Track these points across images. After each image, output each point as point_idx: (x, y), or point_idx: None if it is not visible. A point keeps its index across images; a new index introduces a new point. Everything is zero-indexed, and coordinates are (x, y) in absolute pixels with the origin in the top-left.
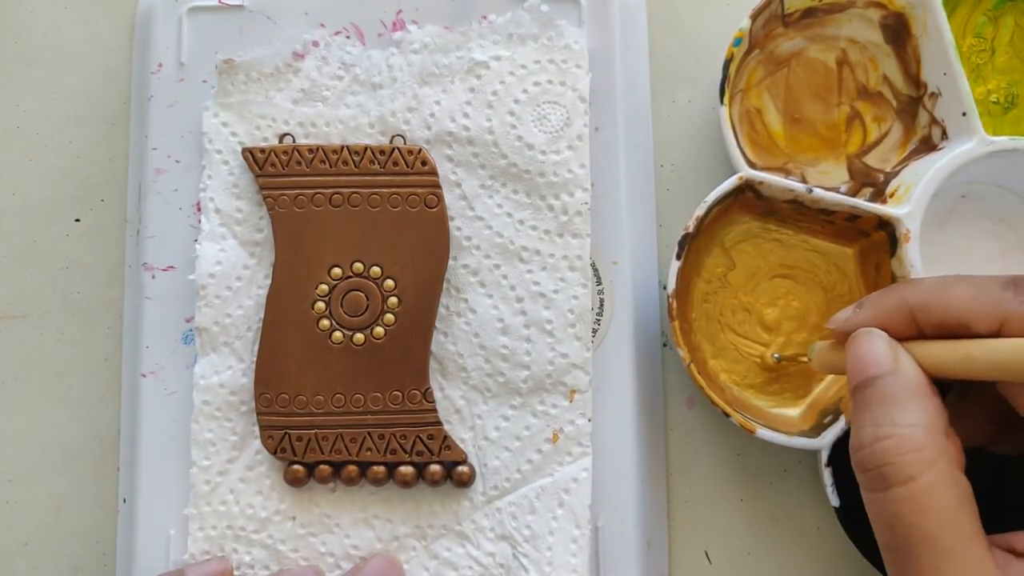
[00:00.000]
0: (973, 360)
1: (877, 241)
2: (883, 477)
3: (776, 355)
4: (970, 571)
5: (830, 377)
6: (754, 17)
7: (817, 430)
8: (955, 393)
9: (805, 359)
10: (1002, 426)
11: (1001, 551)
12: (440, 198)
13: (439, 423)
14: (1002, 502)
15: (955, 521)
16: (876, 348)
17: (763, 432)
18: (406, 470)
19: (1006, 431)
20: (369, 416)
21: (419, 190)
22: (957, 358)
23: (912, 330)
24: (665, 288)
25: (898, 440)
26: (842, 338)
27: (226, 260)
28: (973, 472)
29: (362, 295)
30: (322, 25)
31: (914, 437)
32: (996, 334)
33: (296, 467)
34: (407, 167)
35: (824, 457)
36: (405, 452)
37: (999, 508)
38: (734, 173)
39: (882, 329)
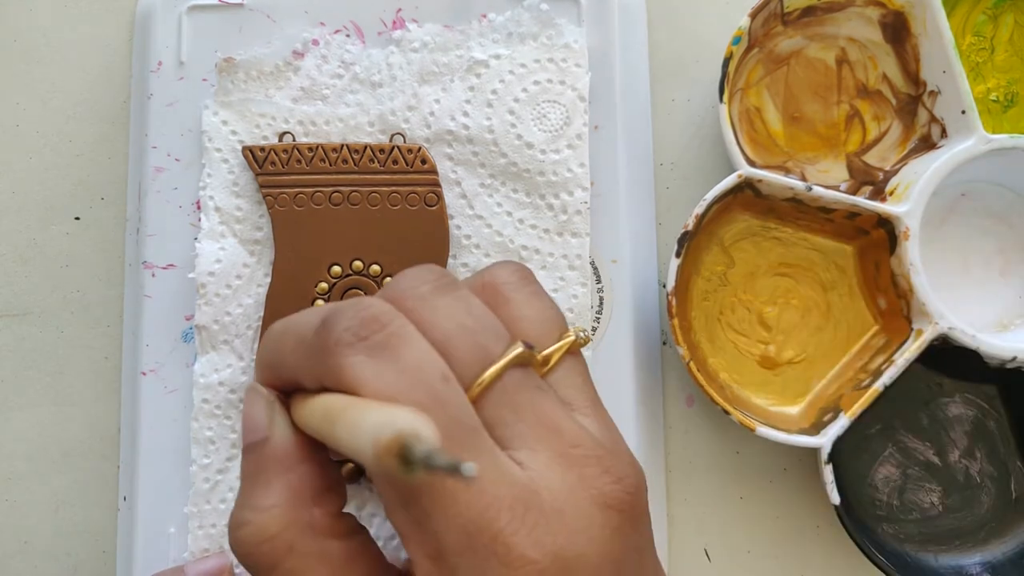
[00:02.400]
0: (308, 421)
1: (876, 239)
2: (252, 567)
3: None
4: None
5: (830, 374)
6: (753, 16)
7: (817, 428)
8: None
9: None
10: None
11: None
12: (440, 197)
13: None
14: None
15: None
16: (254, 409)
17: (763, 430)
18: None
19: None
20: None
21: (419, 189)
22: (303, 417)
23: (282, 385)
24: (664, 286)
25: (254, 528)
26: None
27: (226, 258)
28: None
29: (362, 293)
30: (322, 24)
31: (269, 525)
32: (324, 389)
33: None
34: (407, 166)
35: (824, 455)
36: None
37: None
38: (733, 171)
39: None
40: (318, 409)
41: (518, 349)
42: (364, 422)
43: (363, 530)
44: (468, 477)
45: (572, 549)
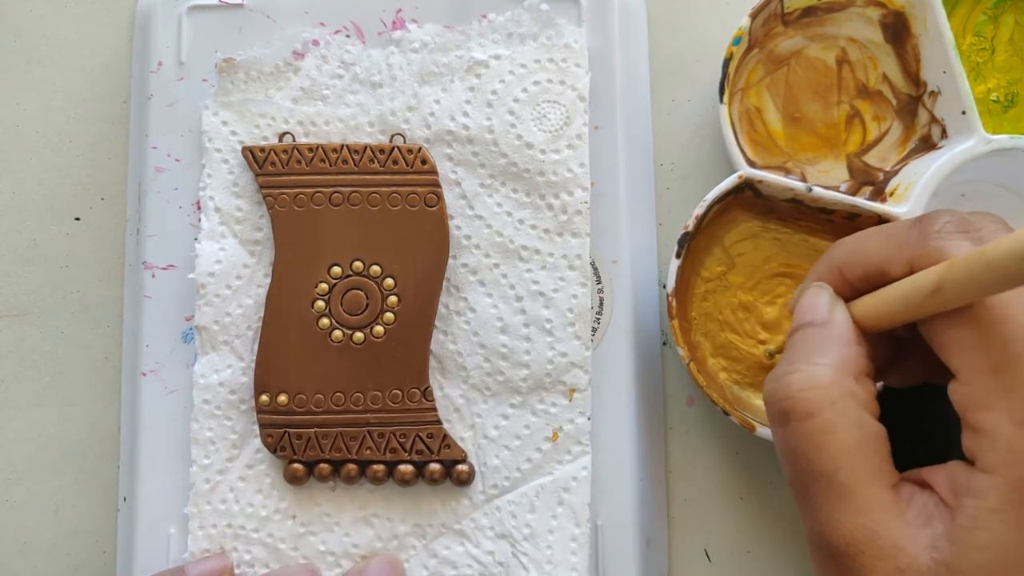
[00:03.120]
0: (888, 303)
1: None
2: (784, 412)
3: (769, 351)
4: (861, 509)
5: None
6: (754, 16)
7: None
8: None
9: None
10: (892, 356)
11: (909, 484)
12: (440, 197)
13: (439, 422)
14: (916, 434)
15: (852, 460)
16: (817, 299)
17: (763, 430)
18: (406, 469)
19: (896, 361)
20: (369, 415)
21: (419, 189)
22: (876, 304)
23: (845, 287)
24: (665, 287)
25: (803, 376)
26: None
27: (226, 259)
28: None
29: (362, 294)
30: (322, 24)
31: (818, 375)
32: (909, 274)
33: (296, 465)
34: (407, 166)
35: None
36: (405, 451)
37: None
38: (734, 172)
39: None
40: (925, 275)
41: None
42: (1000, 246)
43: (882, 427)
44: None
45: None
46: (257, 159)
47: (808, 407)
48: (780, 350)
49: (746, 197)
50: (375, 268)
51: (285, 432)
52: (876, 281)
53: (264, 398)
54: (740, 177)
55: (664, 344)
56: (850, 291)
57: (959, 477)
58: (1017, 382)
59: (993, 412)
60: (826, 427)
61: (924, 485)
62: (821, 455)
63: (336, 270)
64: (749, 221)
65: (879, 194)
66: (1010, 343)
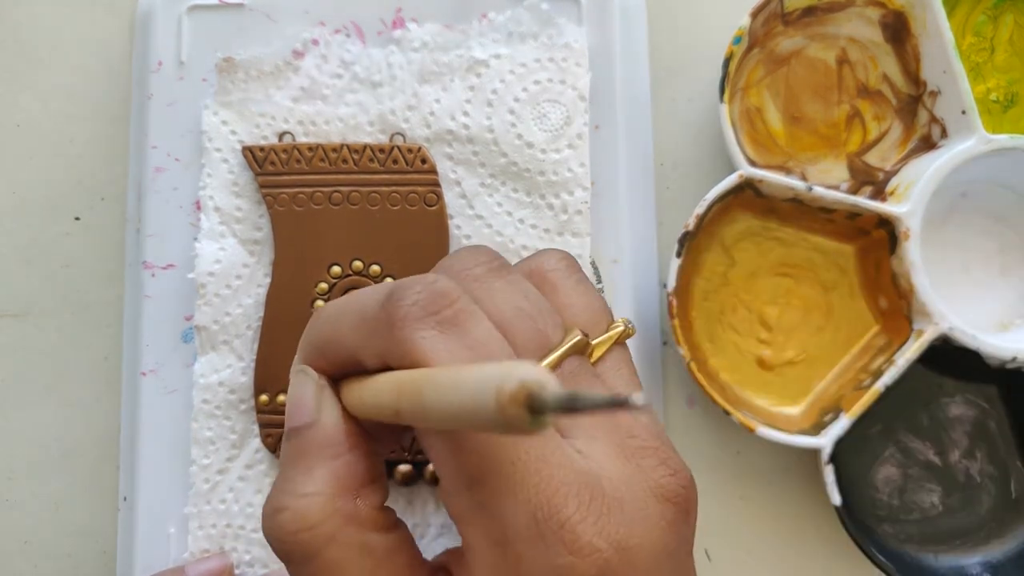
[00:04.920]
0: (364, 404)
1: (877, 239)
2: (285, 555)
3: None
4: None
5: (830, 375)
6: (754, 15)
7: (818, 428)
8: None
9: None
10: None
11: None
12: (440, 196)
13: None
14: None
15: None
16: (302, 393)
17: (763, 430)
18: (405, 469)
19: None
20: None
21: (419, 188)
22: (358, 401)
23: (331, 369)
24: (665, 286)
25: (293, 514)
26: None
27: (225, 258)
28: None
29: None
30: (322, 23)
31: (308, 512)
32: (385, 367)
33: None
34: (407, 165)
35: (825, 455)
36: (404, 451)
37: None
38: (734, 171)
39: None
40: (388, 384)
41: (576, 337)
42: (470, 378)
43: (403, 524)
44: (642, 406)
45: (633, 539)
46: (257, 159)
47: (306, 550)
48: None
49: (746, 196)
50: (375, 268)
51: None
52: (356, 369)
53: (264, 398)
54: (740, 176)
55: (664, 344)
56: (340, 372)
57: None
58: (492, 498)
59: (472, 529)
60: (331, 568)
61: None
62: None
63: (336, 269)
64: (749, 220)
65: (879, 193)
66: (488, 453)
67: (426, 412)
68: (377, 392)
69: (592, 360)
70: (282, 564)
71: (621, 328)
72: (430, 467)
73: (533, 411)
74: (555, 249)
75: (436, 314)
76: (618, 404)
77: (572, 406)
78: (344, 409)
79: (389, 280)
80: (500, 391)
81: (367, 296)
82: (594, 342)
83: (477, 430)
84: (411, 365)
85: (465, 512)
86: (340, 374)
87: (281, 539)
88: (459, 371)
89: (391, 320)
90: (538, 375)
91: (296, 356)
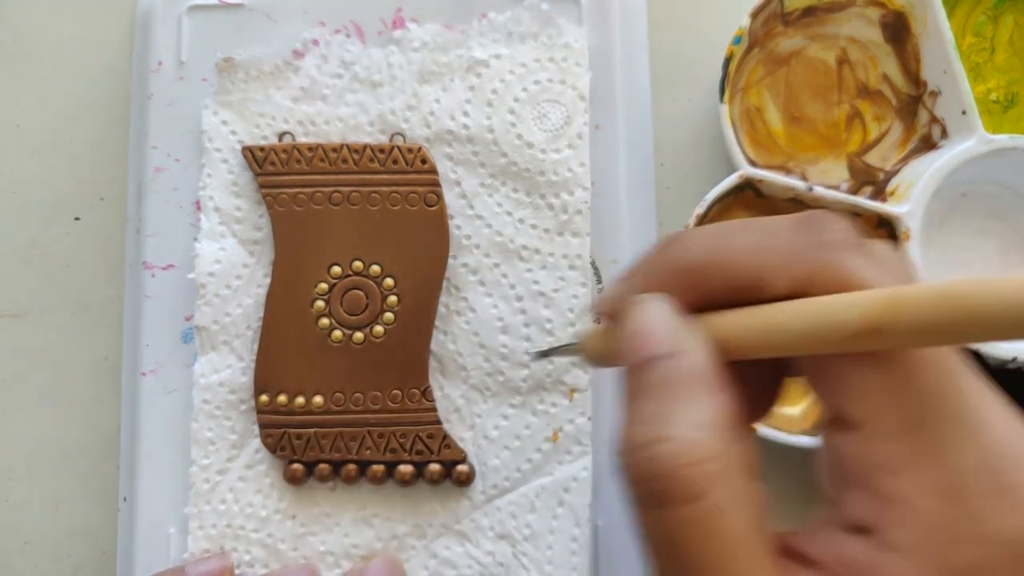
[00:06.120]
0: (778, 331)
1: (877, 239)
2: (660, 493)
3: (531, 352)
4: None
5: None
6: (754, 15)
7: (818, 428)
8: None
9: (572, 352)
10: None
11: (791, 564)
12: (440, 196)
13: (439, 422)
14: None
15: (747, 546)
16: (654, 321)
17: (764, 430)
18: (405, 469)
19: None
20: (369, 415)
21: (419, 188)
22: (757, 330)
23: (695, 298)
24: None
25: (680, 446)
26: (615, 318)
27: (225, 258)
28: None
29: (362, 294)
30: (322, 23)
31: (701, 443)
32: (799, 292)
33: (296, 466)
34: (407, 165)
35: None
36: (405, 451)
37: None
38: (734, 171)
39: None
40: (813, 312)
41: None
42: (993, 291)
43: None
44: None
45: None
46: (257, 159)
47: (693, 488)
48: (552, 351)
49: (747, 196)
50: (375, 268)
51: (285, 432)
52: (744, 295)
53: (264, 398)
54: (741, 176)
55: None
56: (700, 304)
57: (855, 554)
58: (937, 446)
59: (909, 478)
60: (718, 512)
61: (807, 562)
62: (712, 546)
63: (336, 270)
64: None
65: (879, 194)
66: (934, 396)
67: (968, 321)
68: (826, 314)
69: None
70: (281, 565)
71: None
72: (430, 467)
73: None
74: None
75: (862, 247)
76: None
77: None
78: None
79: (390, 280)
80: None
81: (771, 222)
82: None
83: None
84: (843, 288)
85: (900, 459)
86: (698, 307)
87: (658, 474)
88: (908, 289)
89: (818, 240)
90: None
91: (625, 287)
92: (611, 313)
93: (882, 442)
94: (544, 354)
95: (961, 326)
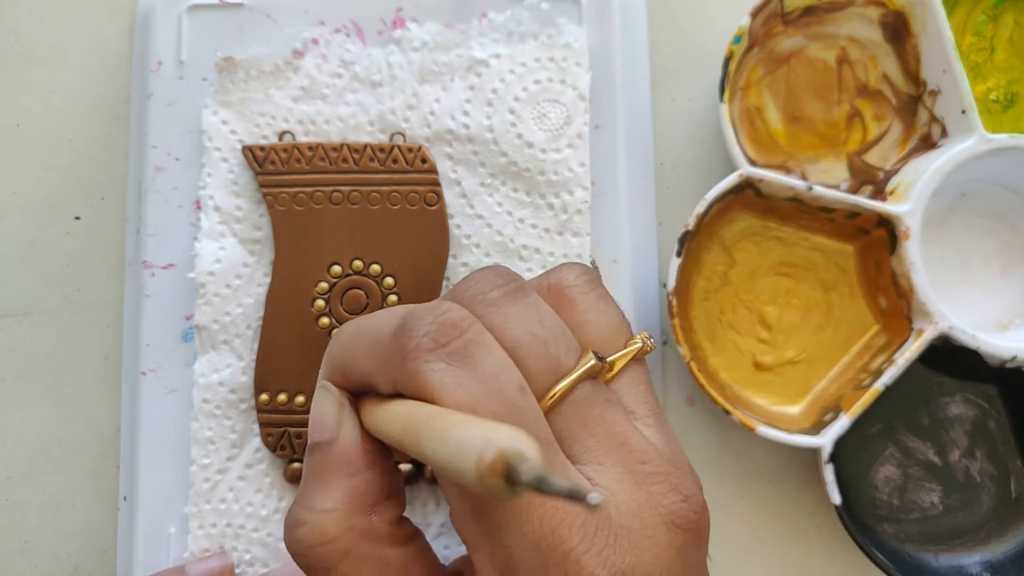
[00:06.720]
0: (380, 428)
1: (877, 239)
2: (305, 568)
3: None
4: None
5: (830, 374)
6: (754, 15)
7: (817, 428)
8: None
9: None
10: None
11: None
12: (440, 196)
13: None
14: None
15: None
16: (323, 408)
17: (763, 430)
18: (405, 468)
19: None
20: None
21: (419, 188)
22: (377, 423)
23: (354, 387)
24: (665, 286)
25: (310, 529)
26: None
27: (225, 258)
28: None
29: (362, 293)
30: (322, 23)
31: (326, 527)
32: (400, 393)
33: (296, 465)
34: (407, 165)
35: (825, 455)
36: None
37: None
38: (734, 171)
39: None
40: (397, 418)
41: (590, 362)
42: (457, 437)
43: (419, 534)
44: (594, 505)
45: (639, 569)
46: (257, 158)
47: (323, 563)
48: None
49: (747, 196)
50: (375, 267)
51: (285, 431)
52: (371, 391)
53: (264, 397)
54: (741, 176)
55: (664, 343)
56: (359, 390)
57: None
58: (493, 527)
59: (480, 554)
60: None
61: None
62: None
63: (336, 269)
64: (749, 220)
65: (879, 193)
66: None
67: (424, 456)
68: (387, 422)
69: (610, 375)
70: (281, 564)
71: (639, 345)
72: (430, 467)
73: (510, 482)
74: (575, 263)
75: (446, 345)
76: (575, 498)
77: (541, 488)
78: (363, 426)
79: (390, 280)
80: (480, 459)
81: (382, 322)
82: (610, 359)
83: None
84: (420, 397)
85: (472, 538)
86: (359, 391)
87: (300, 552)
88: (450, 427)
89: (403, 351)
90: (518, 444)
91: (320, 370)
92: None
93: (460, 523)
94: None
95: (421, 457)
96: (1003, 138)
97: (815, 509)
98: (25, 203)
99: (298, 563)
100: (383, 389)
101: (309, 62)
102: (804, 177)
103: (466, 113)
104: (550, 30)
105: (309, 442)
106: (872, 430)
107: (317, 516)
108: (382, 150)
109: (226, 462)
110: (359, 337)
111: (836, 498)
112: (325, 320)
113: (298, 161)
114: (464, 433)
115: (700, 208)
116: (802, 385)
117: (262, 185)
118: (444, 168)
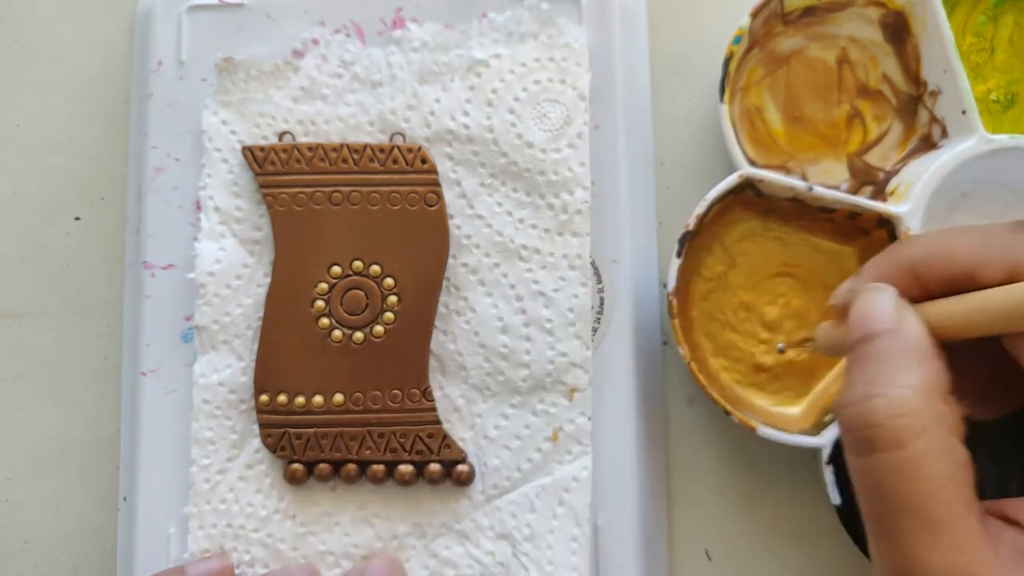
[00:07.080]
0: (988, 310)
1: (877, 239)
2: (870, 440)
3: (780, 345)
4: (956, 546)
5: (831, 374)
6: (754, 15)
7: (818, 428)
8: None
9: (810, 344)
10: (986, 385)
11: (995, 519)
12: (440, 196)
13: (438, 422)
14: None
15: (945, 493)
16: (880, 304)
17: (764, 430)
18: (405, 469)
19: (989, 391)
20: (369, 415)
21: (419, 188)
22: (969, 311)
23: (916, 290)
24: (665, 286)
25: (889, 401)
26: (846, 314)
27: (225, 258)
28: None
29: (362, 293)
30: (322, 23)
31: (908, 400)
32: (1007, 281)
33: (296, 465)
34: (407, 165)
35: (825, 455)
36: (405, 451)
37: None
38: (734, 171)
39: None
40: (995, 303)
41: None
42: None
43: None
44: None
45: None
46: (257, 158)
47: (897, 437)
48: (795, 343)
49: (747, 196)
50: (375, 268)
51: (285, 432)
52: (959, 286)
53: (264, 398)
54: (741, 176)
55: (665, 344)
56: (920, 295)
57: None
58: None
59: None
60: (918, 459)
61: (1009, 521)
62: (912, 489)
63: (336, 270)
64: (750, 220)
65: (879, 193)
66: None
67: None
68: (983, 310)
69: None
70: (281, 564)
71: None
72: (430, 467)
73: None
74: None
75: None
76: None
77: None
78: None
79: (390, 280)
80: None
81: (980, 227)
82: None
83: None
84: None
85: None
86: (920, 297)
87: (872, 423)
88: None
89: None
90: None
91: (855, 283)
92: (843, 305)
93: None
94: (789, 346)
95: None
96: (1003, 138)
97: (815, 509)
98: (25, 203)
99: (855, 437)
100: (990, 276)
101: (309, 62)
102: (804, 177)
103: (466, 113)
104: (550, 30)
105: (862, 332)
106: None
107: (899, 390)
108: (382, 150)
109: (226, 463)
110: (955, 234)
111: (836, 498)
112: (325, 321)
113: (298, 161)
114: None
115: (700, 208)
116: (802, 386)
117: (262, 185)
118: (444, 168)
